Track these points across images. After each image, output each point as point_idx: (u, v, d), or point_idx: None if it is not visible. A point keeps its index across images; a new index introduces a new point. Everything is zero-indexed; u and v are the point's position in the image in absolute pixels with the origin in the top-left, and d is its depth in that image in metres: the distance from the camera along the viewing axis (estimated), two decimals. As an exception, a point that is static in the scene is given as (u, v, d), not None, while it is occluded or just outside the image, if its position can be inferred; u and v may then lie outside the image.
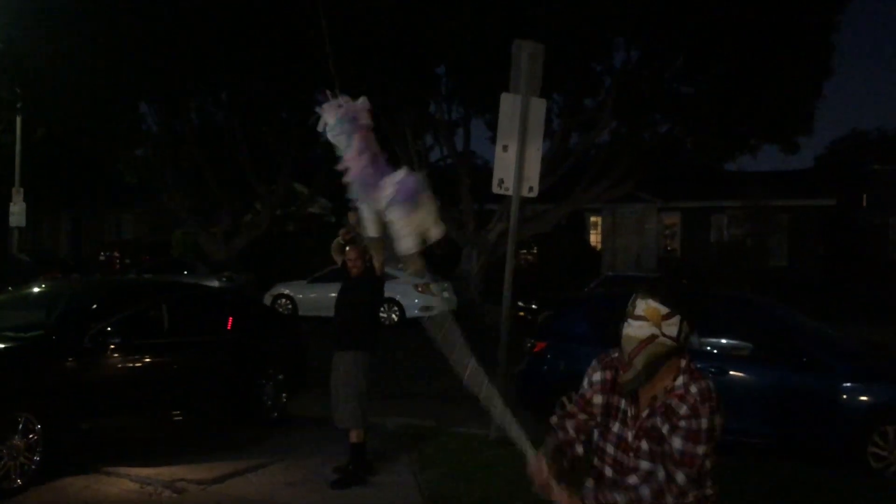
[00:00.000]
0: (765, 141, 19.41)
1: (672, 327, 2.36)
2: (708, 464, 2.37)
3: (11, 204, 19.84)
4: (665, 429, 2.34)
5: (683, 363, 2.40)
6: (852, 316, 15.57)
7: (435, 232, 3.98)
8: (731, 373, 6.98)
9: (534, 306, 15.88)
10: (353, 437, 5.92)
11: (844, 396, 6.61)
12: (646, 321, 2.37)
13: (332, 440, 6.41)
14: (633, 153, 20.18)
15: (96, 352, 6.18)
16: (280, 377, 7.86)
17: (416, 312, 17.57)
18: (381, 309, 17.07)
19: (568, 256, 26.92)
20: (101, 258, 28.20)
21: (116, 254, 28.16)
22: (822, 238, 28.90)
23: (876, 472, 6.30)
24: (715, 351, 7.29)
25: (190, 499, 5.48)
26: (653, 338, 2.36)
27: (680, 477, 2.31)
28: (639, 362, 2.37)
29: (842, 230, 29.69)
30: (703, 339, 7.39)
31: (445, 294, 18.51)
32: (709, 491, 2.44)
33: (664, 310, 2.36)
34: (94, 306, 6.67)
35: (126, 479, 5.78)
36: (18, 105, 19.47)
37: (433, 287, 18.03)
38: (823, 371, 6.76)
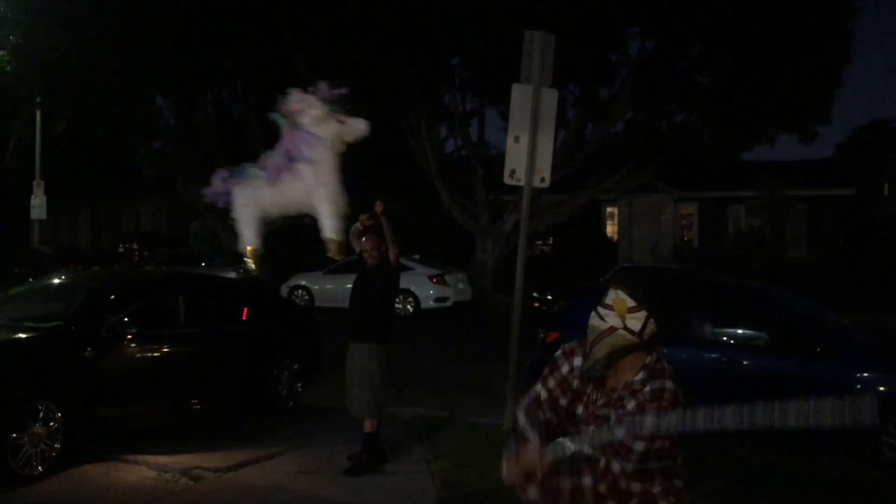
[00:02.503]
0: (782, 130, 19.23)
1: (636, 322, 2.35)
2: (679, 460, 2.39)
3: (32, 197, 20.09)
4: (613, 420, 2.34)
5: (649, 359, 2.39)
6: (870, 307, 15.43)
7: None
8: (746, 363, 6.97)
9: (549, 297, 15.87)
10: (367, 426, 5.98)
11: (859, 387, 6.57)
12: (612, 311, 2.37)
13: (347, 429, 6.47)
14: (649, 143, 20.06)
15: (114, 342, 6.28)
16: (295, 367, 7.93)
17: (431, 304, 17.63)
18: (397, 300, 17.19)
19: (583, 247, 26.84)
20: (120, 250, 28.51)
21: (135, 246, 28.45)
22: (842, 228, 28.59)
23: (891, 462, 6.27)
24: (731, 341, 7.28)
25: (206, 486, 5.57)
26: (612, 329, 2.36)
27: (615, 466, 2.32)
28: (598, 352, 2.38)
29: (862, 220, 29.36)
30: (719, 329, 7.38)
31: (460, 285, 18.55)
32: (678, 483, 2.44)
33: (631, 303, 2.36)
34: (112, 297, 6.76)
35: (144, 467, 5.88)
36: (38, 100, 19.69)
37: (448, 278, 18.08)
38: (838, 361, 6.73)
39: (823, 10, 16.79)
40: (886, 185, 31.21)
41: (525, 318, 7.44)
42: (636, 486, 2.39)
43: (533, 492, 2.41)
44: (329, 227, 4.74)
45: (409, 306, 17.56)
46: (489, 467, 5.91)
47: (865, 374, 6.60)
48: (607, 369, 2.40)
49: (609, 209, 30.72)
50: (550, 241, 29.54)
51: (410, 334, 13.48)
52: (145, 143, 23.40)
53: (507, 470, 2.45)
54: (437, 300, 17.71)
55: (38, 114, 20.35)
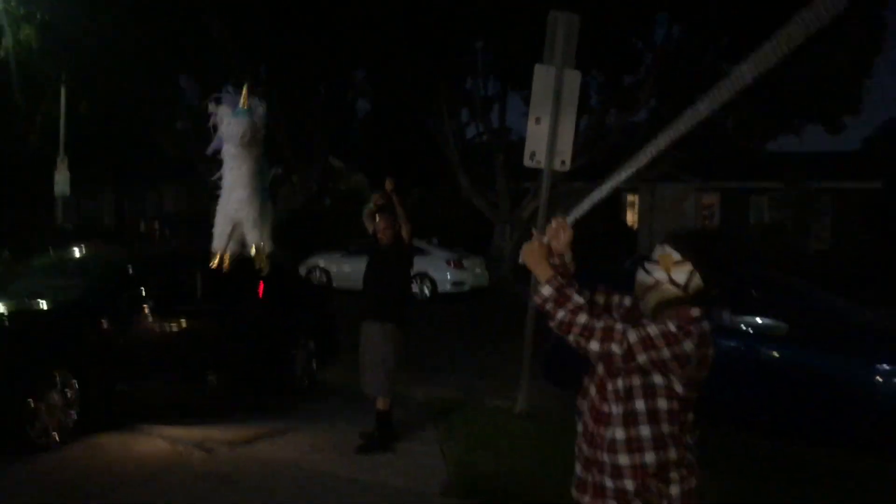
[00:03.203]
0: (809, 121, 18.92)
1: (681, 275, 2.42)
2: (691, 429, 2.43)
3: (56, 173, 20.27)
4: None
5: (695, 312, 2.44)
6: (894, 300, 15.19)
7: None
8: (766, 352, 6.88)
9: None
10: (380, 404, 5.98)
11: (880, 379, 6.47)
12: (657, 266, 2.46)
13: (361, 409, 6.48)
14: (673, 132, 19.81)
15: (131, 315, 6.32)
16: (311, 346, 7.97)
17: (448, 288, 17.62)
18: (413, 283, 17.20)
19: (603, 235, 26.66)
20: (142, 229, 28.74)
21: (156, 225, 28.66)
22: (867, 222, 28.14)
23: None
24: (750, 330, 7.19)
25: (219, 459, 5.61)
26: (657, 283, 2.45)
27: (630, 333, 2.37)
28: (645, 305, 2.49)
29: (888, 214, 28.87)
30: (739, 318, 7.30)
31: (478, 270, 18.51)
32: (690, 456, 2.46)
33: (676, 256, 2.44)
34: (131, 272, 6.81)
35: (158, 438, 5.94)
36: (63, 77, 19.84)
37: (466, 263, 18.06)
38: (859, 354, 6.63)
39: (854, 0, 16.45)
40: (914, 180, 30.60)
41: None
42: (649, 456, 2.40)
43: (537, 298, 2.49)
44: (253, 237, 4.41)
45: (426, 290, 17.55)
46: (501, 450, 5.91)
47: (886, 367, 6.49)
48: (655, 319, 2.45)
49: (630, 198, 30.46)
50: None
51: (427, 318, 13.48)
52: (168, 123, 23.54)
53: (526, 250, 2.55)
54: (455, 284, 17.69)
55: (62, 91, 20.50)
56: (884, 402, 6.36)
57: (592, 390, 2.55)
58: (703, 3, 17.03)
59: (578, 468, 2.56)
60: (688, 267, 2.42)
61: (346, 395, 7.35)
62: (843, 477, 5.65)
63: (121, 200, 36.86)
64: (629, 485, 2.39)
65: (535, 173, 7.22)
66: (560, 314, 2.42)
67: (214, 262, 4.57)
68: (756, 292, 7.70)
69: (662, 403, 2.40)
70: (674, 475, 2.41)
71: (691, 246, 2.45)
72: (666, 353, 2.34)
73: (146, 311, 6.40)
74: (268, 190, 4.50)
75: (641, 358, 2.35)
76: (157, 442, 5.89)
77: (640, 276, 2.50)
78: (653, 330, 2.36)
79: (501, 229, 21.54)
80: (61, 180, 20.28)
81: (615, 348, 2.35)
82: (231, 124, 4.14)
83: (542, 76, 6.89)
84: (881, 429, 6.31)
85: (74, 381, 5.79)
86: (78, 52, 18.48)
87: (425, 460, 5.75)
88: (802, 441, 6.44)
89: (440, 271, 17.59)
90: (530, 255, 2.55)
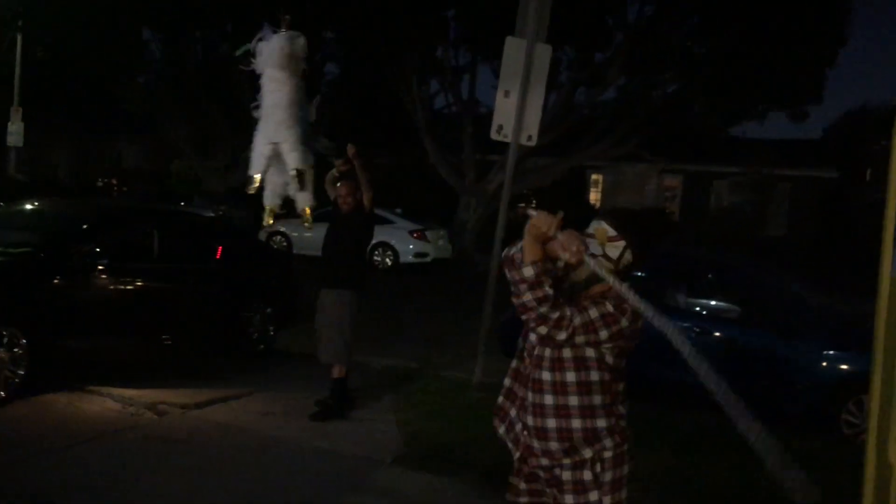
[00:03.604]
0: (774, 107, 19.19)
1: (614, 250, 2.52)
2: (595, 375, 2.53)
3: (10, 123, 19.65)
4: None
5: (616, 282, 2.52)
6: (845, 288, 15.60)
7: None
8: (717, 334, 7.03)
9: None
10: (336, 372, 5.97)
11: (824, 364, 6.67)
12: (593, 239, 2.54)
13: (316, 376, 6.46)
14: (640, 112, 19.94)
15: (84, 272, 6.19)
16: (269, 311, 7.89)
17: (410, 258, 17.60)
18: (376, 252, 17.14)
19: (566, 212, 26.81)
20: (99, 184, 28.08)
21: (114, 181, 28.03)
22: (822, 210, 28.80)
23: (846, 438, 6.39)
24: (703, 312, 7.34)
25: (169, 421, 5.55)
26: (592, 256, 2.51)
27: (576, 318, 2.46)
28: (577, 275, 2.55)
29: (842, 204, 29.56)
30: (693, 300, 7.44)
31: (441, 242, 18.51)
32: (622, 423, 2.60)
33: (611, 232, 2.53)
34: (85, 227, 6.65)
35: (108, 399, 5.85)
36: (19, 23, 19.12)
37: (429, 234, 18.04)
38: (806, 337, 6.82)
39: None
40: (869, 171, 31.36)
41: (502, 278, 7.42)
42: (576, 422, 2.53)
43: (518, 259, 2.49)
44: (293, 159, 4.56)
45: (387, 259, 17.51)
46: (456, 419, 5.96)
47: (831, 352, 6.69)
48: (584, 290, 2.55)
49: (594, 176, 30.67)
50: (534, 204, 29.49)
51: (388, 287, 13.47)
52: (130, 77, 22.89)
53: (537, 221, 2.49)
54: (417, 255, 17.68)
55: (18, 38, 19.78)
56: (827, 385, 6.57)
57: (524, 359, 2.66)
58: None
59: (504, 420, 2.71)
60: (621, 243, 2.52)
61: (302, 362, 7.31)
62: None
63: (78, 154, 35.90)
64: (554, 446, 2.54)
65: (503, 146, 7.20)
66: (527, 297, 2.47)
67: (253, 188, 4.82)
68: (711, 276, 7.85)
69: (594, 375, 2.53)
70: (607, 441, 2.54)
71: (626, 223, 2.54)
72: (604, 333, 2.48)
73: (101, 268, 6.26)
74: (307, 120, 4.69)
75: (580, 339, 2.48)
76: (107, 403, 5.80)
77: None
78: (594, 313, 2.47)
79: (466, 202, 21.53)
80: (15, 130, 19.67)
81: (561, 335, 2.47)
82: (272, 40, 4.33)
83: (513, 49, 6.83)
84: (823, 410, 6.53)
85: (23, 338, 5.66)
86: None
87: (379, 429, 5.77)
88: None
89: (403, 242, 17.55)
90: (539, 227, 2.47)
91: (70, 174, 34.05)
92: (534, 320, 2.47)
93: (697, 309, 7.34)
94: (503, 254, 2.60)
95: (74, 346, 6.11)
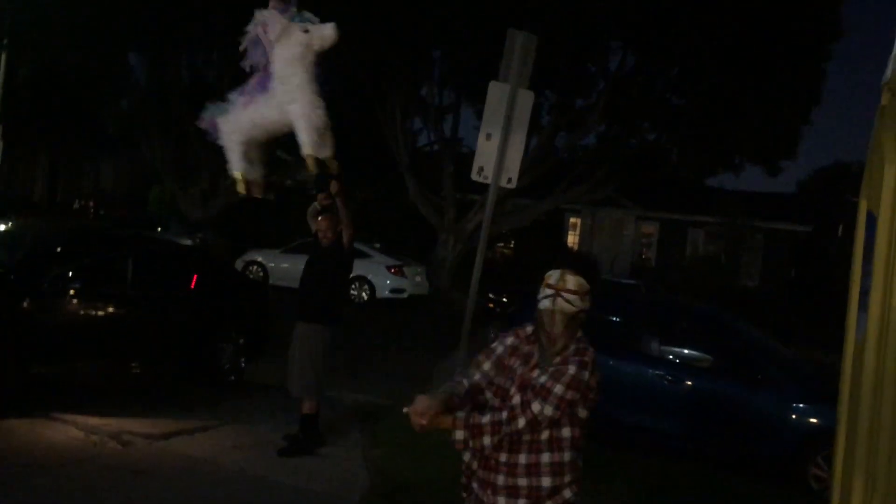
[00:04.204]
0: (749, 161, 19.59)
1: (588, 302, 2.61)
2: (567, 432, 2.54)
3: (-12, 141, 19.45)
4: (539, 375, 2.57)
5: (580, 333, 2.64)
6: (815, 340, 15.80)
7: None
8: (689, 383, 7.07)
9: (504, 299, 15.91)
10: (306, 407, 5.90)
11: (794, 416, 6.72)
12: (577, 295, 2.58)
13: (286, 409, 6.39)
14: (618, 158, 20.26)
15: (54, 295, 6.10)
16: (241, 341, 7.82)
17: (386, 293, 17.55)
18: (353, 287, 17.07)
19: (544, 253, 26.95)
20: (76, 206, 27.80)
21: (92, 203, 27.77)
22: (795, 262, 29.25)
23: (816, 493, 6.41)
24: (676, 360, 7.38)
25: (134, 452, 5.44)
26: (580, 312, 2.59)
27: (535, 406, 2.47)
28: (557, 328, 2.58)
29: (815, 257, 30.05)
30: (665, 348, 7.48)
31: (418, 278, 18.50)
32: (567, 478, 2.58)
33: (587, 286, 2.60)
34: (58, 249, 6.58)
35: (72, 427, 5.72)
36: (4, 41, 19.07)
37: (406, 270, 18.03)
38: (777, 390, 6.87)
39: (800, 49, 17.14)
40: (841, 226, 32.00)
41: (479, 317, 7.44)
42: (546, 481, 2.54)
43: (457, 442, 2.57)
44: (306, 143, 4.44)
45: (364, 294, 17.45)
46: (425, 458, 5.89)
47: (800, 405, 6.74)
48: (568, 346, 2.60)
49: (573, 220, 30.96)
50: (512, 245, 29.66)
51: (363, 322, 13.39)
52: (113, 100, 22.84)
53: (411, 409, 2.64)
54: (394, 291, 17.64)
55: (2, 56, 19.70)
56: (795, 436, 6.61)
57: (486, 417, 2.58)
58: (656, 36, 17.48)
59: (470, 484, 2.70)
60: (589, 295, 2.61)
61: (272, 394, 7.22)
62: (747, 500, 5.84)
63: (55, 174, 35.58)
64: (522, 503, 2.54)
65: (483, 186, 7.27)
66: (487, 441, 2.50)
67: (240, 187, 4.71)
68: (685, 324, 7.92)
69: (566, 432, 2.55)
70: (566, 492, 2.57)
71: (591, 275, 2.63)
72: (577, 395, 2.51)
73: (72, 292, 6.18)
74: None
75: (559, 415, 2.51)
76: (70, 430, 5.67)
77: (563, 305, 2.58)
78: (559, 389, 2.48)
79: (445, 239, 21.60)
80: (-7, 148, 19.47)
81: (542, 427, 2.51)
82: (290, 27, 4.16)
83: (497, 93, 6.95)
84: (792, 462, 6.56)
85: (-13, 360, 5.55)
86: (25, 17, 17.81)
87: (348, 466, 5.70)
88: (719, 467, 6.63)
89: (380, 276, 17.52)
90: (421, 423, 2.60)
91: (46, 193, 33.72)
92: (513, 435, 2.52)
93: (671, 357, 7.38)
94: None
95: (40, 371, 5.99)
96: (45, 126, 28.18)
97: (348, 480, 5.37)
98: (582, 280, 2.60)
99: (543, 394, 2.48)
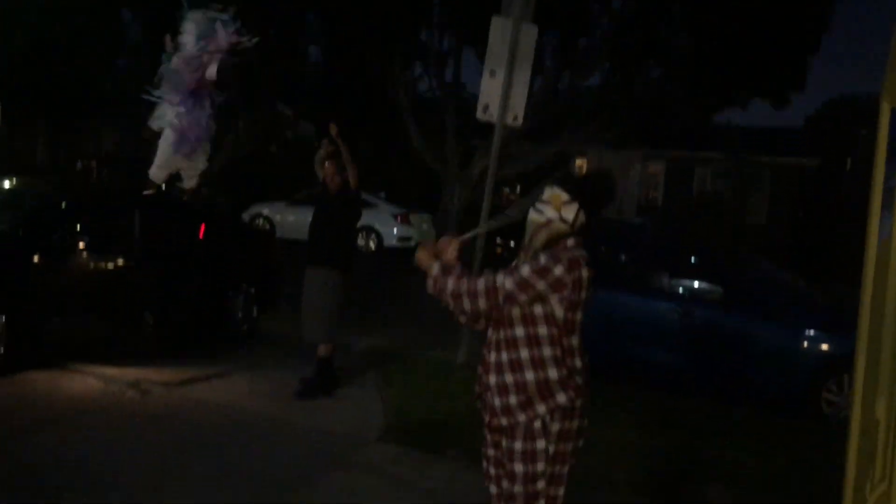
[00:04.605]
0: (756, 94, 19.25)
1: (569, 213, 2.71)
2: (544, 330, 2.66)
3: (-14, 104, 19.31)
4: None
5: (570, 242, 2.72)
6: (823, 275, 15.79)
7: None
8: (699, 314, 7.08)
9: (511, 244, 15.92)
10: (321, 351, 5.96)
11: (805, 344, 6.75)
12: (549, 205, 2.72)
13: (301, 356, 6.45)
14: (624, 98, 19.96)
15: (65, 251, 6.11)
16: (252, 291, 7.85)
17: (394, 242, 17.57)
18: (360, 236, 17.07)
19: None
20: (78, 168, 27.71)
21: (94, 164, 27.65)
22: (803, 198, 29.06)
23: (826, 416, 6.49)
24: (687, 293, 7.38)
25: (152, 399, 5.52)
26: (549, 222, 2.71)
27: (499, 277, 2.64)
28: (537, 241, 2.73)
29: (823, 192, 29.84)
30: (676, 280, 7.48)
31: (424, 227, 18.49)
32: (578, 379, 2.68)
33: (565, 197, 2.71)
34: (65, 206, 6.56)
35: (91, 377, 5.80)
36: (-4, 1, 18.78)
37: (412, 218, 18.01)
38: (788, 319, 6.89)
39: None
40: (850, 160, 31.65)
41: (487, 263, 7.41)
42: (529, 374, 2.64)
43: (429, 283, 2.79)
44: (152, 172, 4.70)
45: (371, 243, 17.47)
46: (439, 398, 5.97)
47: (812, 333, 6.77)
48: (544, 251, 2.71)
49: (578, 162, 30.73)
50: (518, 190, 29.54)
51: (372, 270, 13.44)
52: (108, 60, 22.54)
53: (420, 252, 2.85)
54: (401, 239, 17.66)
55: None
56: (807, 366, 6.65)
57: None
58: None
59: (481, 394, 2.84)
60: (574, 205, 2.71)
61: (286, 343, 7.29)
62: (758, 432, 5.91)
63: (55, 137, 35.41)
64: (513, 400, 2.66)
65: (486, 132, 7.18)
66: (450, 285, 2.68)
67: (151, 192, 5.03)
68: (695, 258, 7.91)
69: (542, 330, 2.66)
70: (559, 394, 2.63)
71: (577, 188, 2.75)
72: (542, 285, 2.61)
73: (81, 247, 6.18)
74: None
75: (522, 298, 2.62)
76: (89, 380, 5.75)
77: (533, 215, 2.74)
78: (525, 271, 2.63)
79: (450, 186, 21.47)
80: (-8, 111, 19.33)
81: (499, 300, 2.63)
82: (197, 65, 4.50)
83: (499, 28, 6.80)
84: (804, 389, 6.62)
85: (2, 316, 5.58)
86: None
87: (364, 406, 5.77)
88: (731, 401, 6.69)
89: (387, 225, 17.52)
90: (422, 257, 2.83)
91: (48, 156, 33.58)
92: (468, 301, 2.68)
93: (680, 290, 7.38)
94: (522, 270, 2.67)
95: (56, 326, 6.04)
96: (42, 88, 27.91)
97: (365, 420, 5.44)
98: (558, 192, 2.72)
99: (510, 272, 2.66)
